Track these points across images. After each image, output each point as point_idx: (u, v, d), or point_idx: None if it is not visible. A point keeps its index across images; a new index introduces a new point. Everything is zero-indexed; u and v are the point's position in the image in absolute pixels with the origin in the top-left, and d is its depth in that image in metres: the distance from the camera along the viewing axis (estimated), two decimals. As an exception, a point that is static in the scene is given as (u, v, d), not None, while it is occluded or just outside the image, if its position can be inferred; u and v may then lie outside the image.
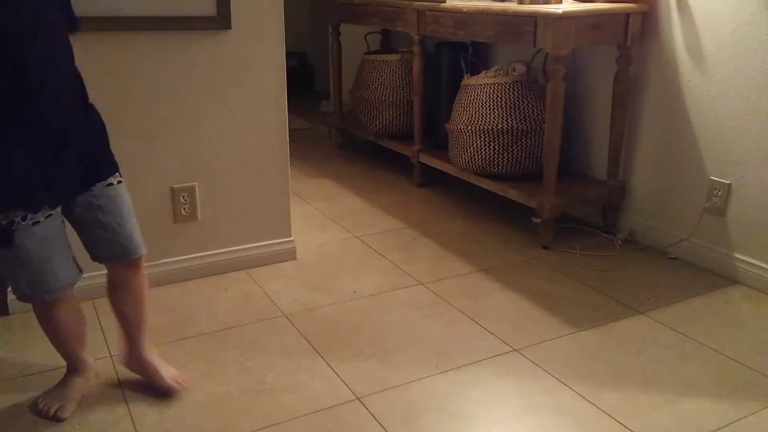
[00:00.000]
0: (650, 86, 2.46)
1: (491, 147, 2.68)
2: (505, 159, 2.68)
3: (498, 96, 2.68)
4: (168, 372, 1.63)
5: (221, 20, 2.05)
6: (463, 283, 2.23)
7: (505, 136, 2.66)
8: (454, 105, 2.88)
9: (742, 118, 2.18)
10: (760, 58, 2.10)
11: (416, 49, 3.05)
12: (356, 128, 3.71)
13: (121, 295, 1.61)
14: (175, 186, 2.14)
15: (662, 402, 1.62)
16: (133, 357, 1.64)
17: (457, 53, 3.09)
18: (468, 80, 2.81)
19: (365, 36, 3.82)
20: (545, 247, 2.51)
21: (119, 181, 1.52)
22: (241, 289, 2.17)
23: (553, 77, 2.32)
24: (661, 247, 2.49)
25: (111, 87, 1.97)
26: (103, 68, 1.95)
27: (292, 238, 2.39)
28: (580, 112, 2.78)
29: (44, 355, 1.78)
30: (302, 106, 4.87)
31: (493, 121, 2.67)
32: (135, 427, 1.51)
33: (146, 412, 1.57)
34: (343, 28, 3.78)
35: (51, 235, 1.41)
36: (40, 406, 1.54)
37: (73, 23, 1.42)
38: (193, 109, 2.10)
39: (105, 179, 1.48)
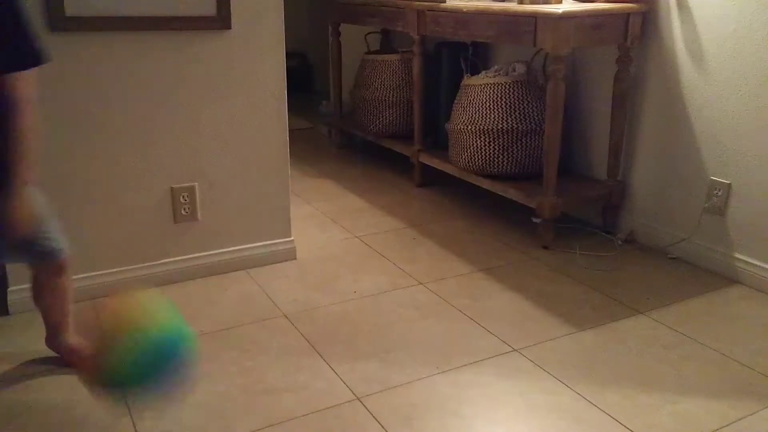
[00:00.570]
0: (650, 86, 2.46)
1: (491, 147, 2.68)
2: (505, 159, 2.68)
3: (498, 96, 2.68)
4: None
5: (221, 20, 2.05)
6: (463, 283, 2.23)
7: (505, 136, 2.66)
8: (454, 105, 2.89)
9: (742, 118, 2.18)
10: (760, 58, 2.10)
11: (416, 49, 3.05)
12: (356, 128, 3.71)
13: (45, 295, 1.66)
14: (175, 186, 2.14)
15: (662, 402, 1.62)
16: (54, 341, 1.72)
17: (457, 53, 3.09)
18: (468, 80, 2.81)
19: (365, 36, 3.82)
20: (545, 247, 2.51)
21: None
22: (241, 289, 2.17)
23: (553, 77, 2.32)
24: (661, 247, 2.49)
25: (111, 87, 1.97)
26: (102, 68, 1.95)
27: (292, 238, 2.39)
28: (580, 111, 2.78)
29: (45, 354, 1.78)
30: (302, 106, 4.88)
31: (493, 121, 2.67)
32: (135, 427, 1.51)
33: (146, 412, 1.56)
34: (343, 28, 3.78)
35: None
36: None
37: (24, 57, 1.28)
38: (193, 109, 2.10)
39: None
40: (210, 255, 2.25)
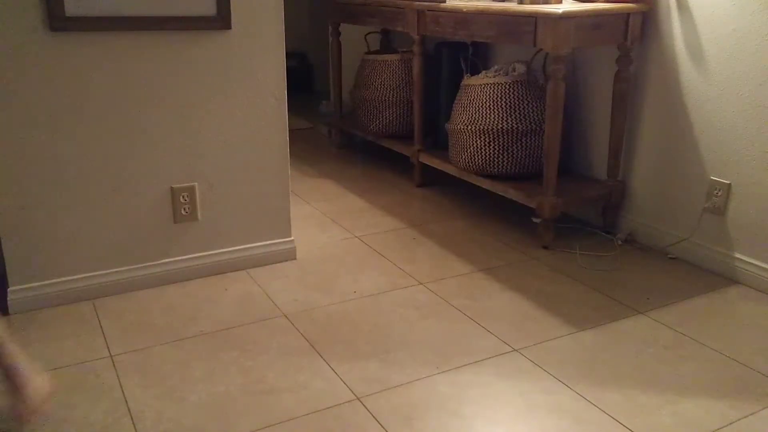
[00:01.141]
0: (650, 86, 2.46)
1: (491, 147, 2.68)
2: (505, 159, 2.68)
3: (498, 96, 2.68)
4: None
5: (221, 20, 2.05)
6: (463, 283, 2.23)
7: (505, 136, 2.66)
8: (454, 105, 2.89)
9: (742, 118, 2.18)
10: (760, 58, 2.10)
11: (416, 49, 3.05)
12: (356, 128, 3.71)
13: None
14: (175, 186, 2.14)
15: (662, 402, 1.62)
16: None
17: (457, 53, 3.09)
18: (468, 80, 2.81)
19: (365, 36, 3.82)
20: (545, 247, 2.51)
21: None
22: (241, 289, 2.17)
23: (553, 77, 2.32)
24: (661, 247, 2.49)
25: (111, 87, 1.97)
26: (102, 68, 1.95)
27: (292, 238, 2.39)
28: (580, 112, 2.78)
29: (44, 355, 1.79)
30: (302, 106, 4.88)
31: (493, 121, 2.67)
32: (135, 427, 1.52)
33: (146, 412, 1.57)
34: (343, 28, 3.78)
35: None
36: None
37: None
38: (193, 109, 2.10)
39: None
40: (210, 255, 2.25)
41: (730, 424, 1.54)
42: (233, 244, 2.28)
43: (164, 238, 2.17)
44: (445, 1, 2.82)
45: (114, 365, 1.75)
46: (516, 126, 2.65)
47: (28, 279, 2.00)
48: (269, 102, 2.21)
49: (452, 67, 3.11)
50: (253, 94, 2.18)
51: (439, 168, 3.04)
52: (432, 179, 3.24)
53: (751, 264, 2.21)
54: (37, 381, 1.44)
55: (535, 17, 2.31)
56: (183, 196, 2.16)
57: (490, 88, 2.70)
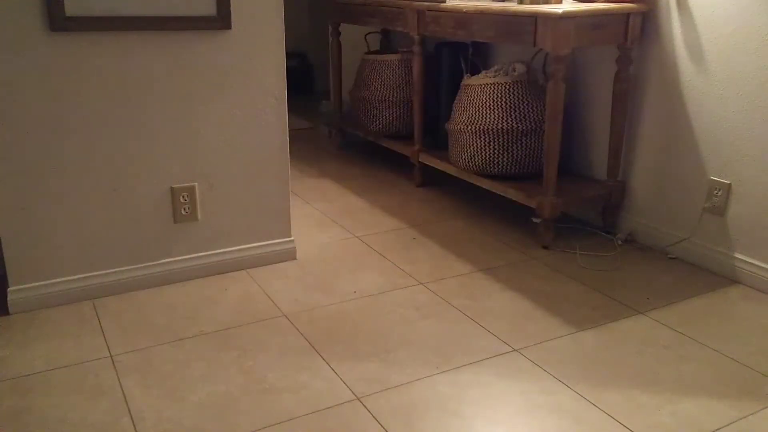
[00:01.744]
0: (650, 86, 2.46)
1: (491, 147, 2.68)
2: (505, 159, 2.68)
3: (498, 96, 2.68)
4: None
5: (221, 20, 2.05)
6: (463, 283, 2.23)
7: (505, 136, 2.66)
8: (454, 105, 2.89)
9: (742, 118, 2.18)
10: (760, 58, 2.10)
11: (416, 49, 3.05)
12: (356, 128, 3.71)
13: None
14: (175, 186, 2.14)
15: (662, 402, 1.62)
16: None
17: (457, 53, 3.09)
18: (468, 80, 2.81)
19: (365, 36, 3.82)
20: (545, 247, 2.51)
21: None
22: (241, 289, 2.17)
23: (553, 77, 2.32)
24: (661, 247, 2.49)
25: (111, 87, 1.97)
26: (102, 68, 1.95)
27: (292, 238, 2.39)
28: (580, 112, 2.78)
29: (45, 355, 1.79)
30: (302, 106, 4.88)
31: (493, 121, 2.67)
32: (135, 427, 1.52)
33: (146, 412, 1.57)
34: (343, 28, 3.78)
35: None
36: None
37: None
38: (194, 109, 2.10)
39: None
40: (210, 255, 2.25)
41: (730, 424, 1.54)
42: (233, 244, 2.28)
43: (164, 238, 2.17)
44: (445, 1, 2.82)
45: (114, 365, 1.75)
46: (516, 126, 2.65)
47: (28, 279, 2.00)
48: (269, 102, 2.21)
49: (452, 67, 3.11)
50: (253, 94, 2.18)
51: (439, 168, 3.04)
52: (432, 179, 3.24)
53: (751, 264, 2.21)
54: None
55: (535, 17, 2.31)
56: (183, 196, 2.16)
57: (490, 88, 2.70)
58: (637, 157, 2.56)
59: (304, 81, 5.44)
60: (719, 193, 2.28)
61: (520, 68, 2.74)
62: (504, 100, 2.67)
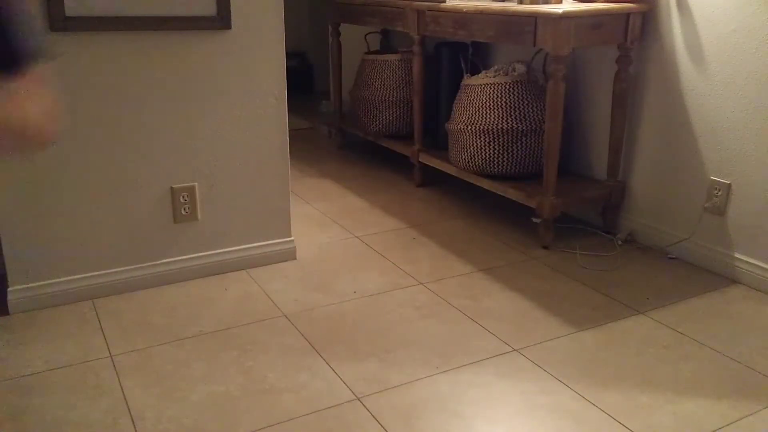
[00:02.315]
0: (650, 86, 2.46)
1: (491, 147, 2.68)
2: (505, 159, 2.68)
3: (498, 96, 2.68)
4: None
5: (221, 20, 2.05)
6: (463, 283, 2.23)
7: (505, 136, 2.66)
8: (454, 105, 2.89)
9: (742, 118, 2.18)
10: (760, 58, 2.10)
11: (416, 49, 3.05)
12: (356, 128, 3.71)
13: None
14: (175, 186, 2.14)
15: (662, 402, 1.62)
16: None
17: (457, 53, 3.09)
18: (468, 80, 2.81)
19: (365, 36, 3.82)
20: (545, 247, 2.51)
21: None
22: (241, 289, 2.17)
23: (553, 77, 2.32)
24: (661, 247, 2.49)
25: (111, 87, 1.97)
26: (102, 68, 1.95)
27: (292, 238, 2.39)
28: (580, 112, 2.78)
29: (45, 355, 1.79)
30: (302, 106, 4.88)
31: (493, 121, 2.67)
32: (135, 427, 1.52)
33: (146, 412, 1.57)
34: (343, 28, 3.78)
35: None
36: None
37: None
38: (194, 109, 2.10)
39: None
40: (210, 255, 2.25)
41: (730, 424, 1.54)
42: (233, 244, 2.28)
43: (164, 238, 2.17)
44: (445, 1, 2.82)
45: (114, 365, 1.75)
46: (516, 126, 2.65)
47: (28, 279, 2.00)
48: (269, 102, 2.21)
49: (452, 67, 3.11)
50: (253, 93, 2.18)
51: (439, 168, 3.04)
52: (432, 179, 3.24)
53: (751, 264, 2.21)
54: None
55: (535, 17, 2.30)
56: (183, 196, 2.15)
57: (490, 88, 2.69)
58: (637, 157, 2.56)
59: (304, 81, 5.44)
60: (719, 193, 2.28)
61: (520, 68, 2.74)
62: (504, 100, 2.67)
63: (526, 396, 1.64)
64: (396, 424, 1.53)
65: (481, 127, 2.69)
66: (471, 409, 1.59)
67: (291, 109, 2.32)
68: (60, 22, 1.85)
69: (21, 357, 1.78)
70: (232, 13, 2.07)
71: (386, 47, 4.01)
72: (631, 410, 1.58)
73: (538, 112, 2.66)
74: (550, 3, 2.37)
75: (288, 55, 2.25)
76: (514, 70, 2.76)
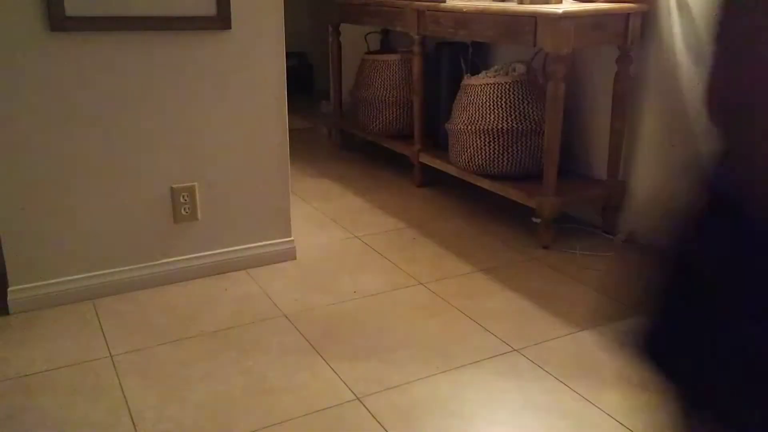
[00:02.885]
0: (650, 86, 2.46)
1: (491, 147, 2.68)
2: (505, 159, 2.68)
3: (498, 96, 2.67)
4: None
5: (221, 20, 2.05)
6: (463, 283, 2.23)
7: (505, 136, 2.66)
8: (454, 105, 2.88)
9: (742, 118, 2.18)
10: (760, 58, 2.10)
11: (416, 49, 3.05)
12: (356, 128, 3.71)
13: None
14: (175, 186, 2.14)
15: (662, 402, 1.61)
16: None
17: (457, 53, 3.09)
18: (468, 80, 2.81)
19: (365, 36, 3.82)
20: (545, 247, 2.51)
21: None
22: (241, 289, 2.17)
23: (553, 77, 2.32)
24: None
25: (111, 87, 1.97)
26: (102, 68, 1.95)
27: (292, 238, 2.39)
28: (580, 112, 2.78)
29: (44, 355, 1.79)
30: (302, 106, 4.87)
31: (493, 121, 2.67)
32: (135, 427, 1.52)
33: (146, 412, 1.57)
34: (343, 28, 3.78)
35: None
36: None
37: None
38: (193, 109, 2.10)
39: None
40: (210, 255, 2.25)
41: (730, 424, 1.54)
42: (233, 244, 2.28)
43: (164, 238, 2.17)
44: (445, 1, 2.82)
45: (114, 365, 1.75)
46: (516, 126, 2.65)
47: (28, 279, 2.00)
48: (269, 102, 2.21)
49: (452, 67, 3.11)
50: (253, 94, 2.18)
51: (439, 168, 3.04)
52: (432, 179, 3.24)
53: (751, 264, 2.21)
54: None
55: (535, 17, 2.30)
56: (183, 196, 2.15)
57: (490, 88, 2.69)
58: (637, 157, 2.56)
59: (304, 81, 5.44)
60: (719, 193, 2.28)
61: (520, 68, 2.74)
62: (504, 100, 2.67)
63: (526, 396, 1.64)
64: (396, 424, 1.53)
65: (481, 127, 2.69)
66: (471, 409, 1.59)
67: (291, 109, 2.32)
68: (60, 22, 1.85)
69: (21, 357, 1.78)
70: (232, 13, 2.07)
71: (386, 47, 4.01)
72: (631, 410, 1.58)
73: (538, 112, 2.66)
74: (550, 3, 2.37)
75: (288, 55, 2.25)
76: (514, 70, 2.76)
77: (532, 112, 2.66)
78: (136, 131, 2.04)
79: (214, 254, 2.26)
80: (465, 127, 2.75)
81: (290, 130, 2.30)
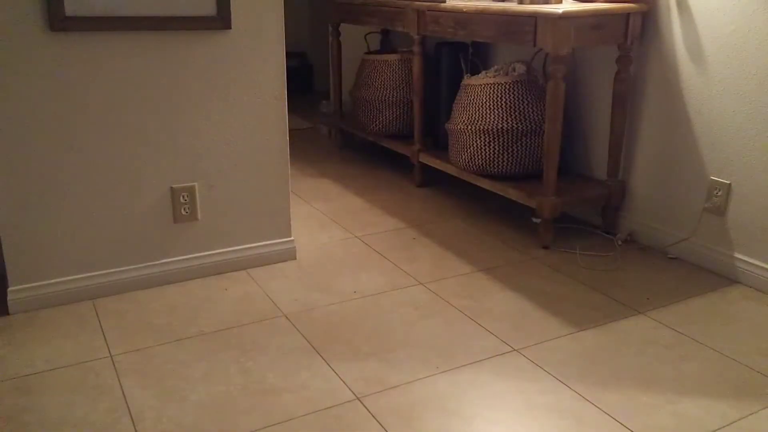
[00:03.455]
0: (650, 86, 2.46)
1: (491, 147, 2.68)
2: (505, 159, 2.68)
3: (498, 96, 2.68)
4: None
5: (221, 20, 2.05)
6: (463, 283, 2.23)
7: (505, 136, 2.66)
8: (454, 105, 2.89)
9: (741, 118, 2.18)
10: (760, 58, 2.10)
11: (416, 49, 3.05)
12: (356, 128, 3.71)
13: None
14: (175, 186, 2.14)
15: (662, 402, 1.62)
16: None
17: (457, 53, 3.09)
18: (468, 80, 2.81)
19: (365, 36, 3.82)
20: (545, 247, 2.51)
21: None
22: (241, 289, 2.17)
23: (553, 77, 2.32)
24: (661, 247, 2.49)
25: (111, 87, 1.97)
26: (102, 68, 1.95)
27: (292, 238, 2.39)
28: (580, 112, 2.78)
29: (45, 354, 1.79)
30: (302, 106, 4.88)
31: (493, 121, 2.67)
32: (135, 427, 1.52)
33: (146, 412, 1.57)
34: (343, 28, 3.78)
35: None
36: None
37: None
38: (193, 109, 2.10)
39: None
40: (210, 255, 2.25)
41: (730, 424, 1.54)
42: (233, 244, 2.28)
43: (164, 238, 2.17)
44: (445, 1, 2.82)
45: (114, 365, 1.75)
46: (516, 126, 2.65)
47: (28, 279, 2.00)
48: (269, 102, 2.21)
49: (452, 67, 3.11)
50: (253, 93, 2.18)
51: (439, 168, 3.04)
52: (432, 179, 3.24)
53: (751, 264, 2.21)
54: None
55: (535, 17, 2.31)
56: (183, 196, 2.16)
57: (490, 88, 2.70)
58: (637, 157, 2.57)
59: (304, 81, 5.44)
60: (719, 193, 2.28)
61: (520, 68, 2.74)
62: (504, 100, 2.67)
63: (526, 396, 1.64)
64: (396, 424, 1.53)
65: (481, 127, 2.69)
66: (471, 409, 1.59)
67: (291, 109, 2.33)
68: (60, 22, 1.85)
69: (21, 357, 1.78)
70: (232, 13, 2.07)
71: (386, 47, 4.01)
72: (631, 410, 1.58)
73: (538, 112, 2.66)
74: (550, 3, 2.37)
75: (288, 55, 2.25)
76: (514, 70, 2.76)
77: (532, 112, 2.66)
78: (136, 131, 2.04)
79: (214, 254, 2.26)
80: (465, 127, 2.75)
81: (290, 130, 2.30)
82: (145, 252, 2.15)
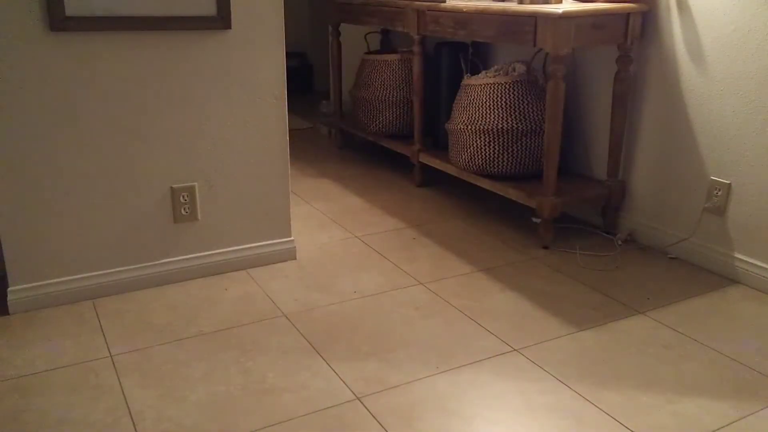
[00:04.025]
0: (650, 86, 2.46)
1: (491, 147, 2.68)
2: (505, 159, 2.68)
3: (498, 96, 2.68)
4: None
5: (221, 20, 2.05)
6: (463, 283, 2.23)
7: (505, 136, 2.66)
8: (454, 105, 2.89)
9: (741, 118, 2.18)
10: (760, 57, 2.10)
11: (416, 49, 3.05)
12: (356, 128, 3.71)
13: None
14: (175, 186, 2.14)
15: (662, 402, 1.62)
16: None
17: (457, 53, 3.09)
18: (468, 80, 2.81)
19: (365, 36, 3.82)
20: (545, 247, 2.51)
21: None
22: (241, 289, 2.17)
23: (553, 77, 2.32)
24: (661, 247, 2.49)
25: (110, 87, 1.97)
26: (102, 68, 1.95)
27: (292, 238, 2.39)
28: (580, 112, 2.78)
29: (44, 355, 1.79)
30: (302, 106, 4.88)
31: (493, 121, 2.67)
32: (135, 427, 1.52)
33: (146, 412, 1.57)
34: (343, 28, 3.78)
35: None
36: None
37: None
38: (193, 108, 2.10)
39: None
40: (210, 255, 2.25)
41: (730, 424, 1.54)
42: (233, 244, 2.29)
43: (164, 238, 2.17)
44: (445, 1, 2.83)
45: (114, 365, 1.75)
46: (516, 126, 2.65)
47: (28, 279, 2.00)
48: (269, 102, 2.21)
49: (452, 67, 3.11)
50: (253, 94, 2.18)
51: (439, 168, 3.04)
52: (432, 179, 3.24)
53: (751, 264, 2.21)
54: None
55: (535, 17, 2.31)
56: (183, 196, 2.16)
57: (490, 88, 2.70)
58: (637, 157, 2.57)
59: (304, 81, 5.44)
60: (719, 193, 2.28)
61: (520, 68, 2.74)
62: (504, 100, 2.67)
63: (526, 396, 1.64)
64: (396, 424, 1.53)
65: (481, 127, 2.69)
66: (471, 409, 1.59)
67: (291, 109, 2.33)
68: (60, 21, 1.85)
69: (21, 357, 1.78)
70: (232, 13, 2.07)
71: (386, 47, 4.01)
72: (631, 410, 1.58)
73: (538, 112, 2.66)
74: (550, 3, 2.37)
75: (288, 55, 2.26)
76: (514, 70, 2.76)
77: (532, 112, 2.66)
78: (136, 131, 2.04)
79: (214, 254, 2.26)
80: (465, 127, 2.75)
81: (290, 130, 2.30)
82: (145, 252, 2.15)
